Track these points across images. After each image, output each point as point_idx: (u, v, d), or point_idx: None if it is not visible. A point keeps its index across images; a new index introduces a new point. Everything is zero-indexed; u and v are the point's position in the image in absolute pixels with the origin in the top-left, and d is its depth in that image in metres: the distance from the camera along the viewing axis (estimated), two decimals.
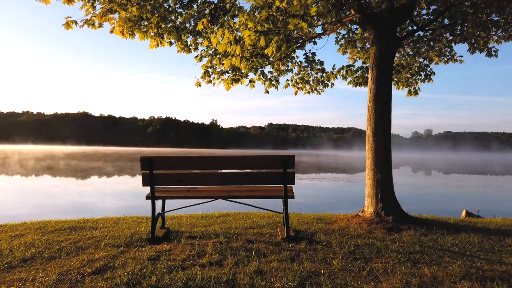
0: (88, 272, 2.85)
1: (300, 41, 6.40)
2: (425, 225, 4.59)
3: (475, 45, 5.84)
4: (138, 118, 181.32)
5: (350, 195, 14.58)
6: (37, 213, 8.38)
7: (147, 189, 3.93)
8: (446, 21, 5.74)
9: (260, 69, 6.65)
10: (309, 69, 7.13)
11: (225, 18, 5.72)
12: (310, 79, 7.27)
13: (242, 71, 6.36)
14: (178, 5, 5.51)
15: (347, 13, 5.58)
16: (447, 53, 6.64)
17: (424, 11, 6.02)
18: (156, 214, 3.91)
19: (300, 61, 7.04)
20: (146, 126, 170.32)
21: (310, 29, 5.97)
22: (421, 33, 6.24)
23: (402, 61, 7.02)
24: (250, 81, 6.56)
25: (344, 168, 34.36)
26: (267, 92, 7.01)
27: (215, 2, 5.56)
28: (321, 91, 7.41)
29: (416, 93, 7.12)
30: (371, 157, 4.99)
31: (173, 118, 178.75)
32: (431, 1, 5.35)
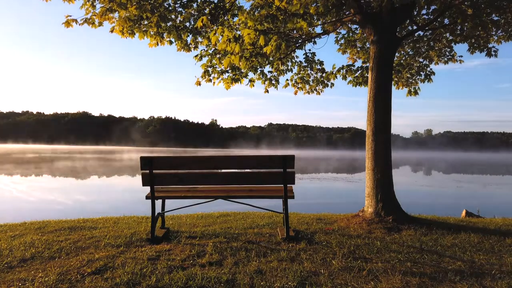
0: (88, 272, 2.84)
1: (300, 41, 6.40)
2: (425, 225, 4.59)
3: (475, 45, 5.84)
4: (138, 118, 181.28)
5: (350, 194, 14.58)
6: None
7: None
8: (446, 20, 5.73)
9: (259, 69, 6.65)
10: (309, 69, 7.12)
11: (225, 18, 5.72)
12: (310, 79, 7.27)
13: (242, 70, 6.36)
14: (178, 4, 5.51)
15: (347, 12, 5.57)
16: (447, 53, 6.64)
17: (424, 11, 6.01)
18: (156, 214, 3.91)
19: (300, 61, 7.03)
20: (146, 125, 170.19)
21: (310, 28, 5.97)
22: (421, 33, 6.23)
23: (402, 61, 7.02)
24: (250, 80, 6.55)
25: (344, 168, 34.36)
26: (267, 91, 7.01)
27: (215, 1, 5.56)
28: (321, 91, 7.41)
29: (416, 93, 7.12)
30: (371, 157, 4.98)
31: (173, 118, 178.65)
32: (431, 0, 5.34)
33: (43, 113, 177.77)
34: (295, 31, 5.93)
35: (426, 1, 5.46)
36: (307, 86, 7.32)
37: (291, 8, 4.32)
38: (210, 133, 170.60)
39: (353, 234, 4.19)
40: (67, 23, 4.84)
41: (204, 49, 6.34)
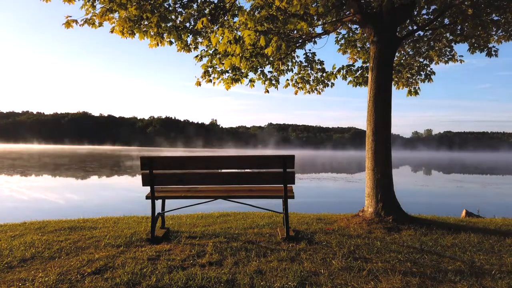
0: (88, 272, 2.84)
1: (300, 41, 6.39)
2: (425, 225, 4.59)
3: (475, 45, 5.84)
4: (138, 118, 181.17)
5: (350, 194, 14.57)
6: None
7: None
8: (446, 20, 5.73)
9: (260, 69, 6.64)
10: (309, 69, 7.12)
11: (225, 18, 5.72)
12: (310, 79, 7.26)
13: (242, 70, 6.36)
14: (178, 5, 5.51)
15: (347, 12, 5.57)
16: (447, 52, 6.64)
17: (424, 11, 6.01)
18: (156, 214, 3.91)
19: (300, 61, 7.03)
20: (146, 126, 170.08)
21: (310, 28, 5.96)
22: (421, 33, 6.23)
23: (402, 61, 7.02)
24: (250, 80, 6.55)
25: (344, 168, 34.36)
26: (267, 91, 7.00)
27: (215, 1, 5.56)
28: (321, 91, 7.41)
29: (416, 93, 7.11)
30: (371, 157, 4.98)
31: (173, 118, 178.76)
32: (431, 0, 5.34)
33: (43, 113, 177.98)
34: (295, 31, 5.94)
35: (426, 1, 5.46)
36: (308, 86, 7.32)
37: (291, 8, 4.31)
38: (210, 133, 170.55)
39: (353, 234, 4.19)
40: (67, 24, 4.84)
41: (204, 50, 6.34)
